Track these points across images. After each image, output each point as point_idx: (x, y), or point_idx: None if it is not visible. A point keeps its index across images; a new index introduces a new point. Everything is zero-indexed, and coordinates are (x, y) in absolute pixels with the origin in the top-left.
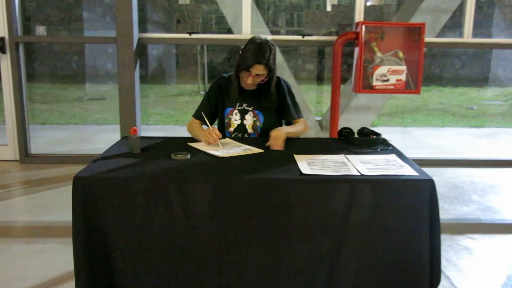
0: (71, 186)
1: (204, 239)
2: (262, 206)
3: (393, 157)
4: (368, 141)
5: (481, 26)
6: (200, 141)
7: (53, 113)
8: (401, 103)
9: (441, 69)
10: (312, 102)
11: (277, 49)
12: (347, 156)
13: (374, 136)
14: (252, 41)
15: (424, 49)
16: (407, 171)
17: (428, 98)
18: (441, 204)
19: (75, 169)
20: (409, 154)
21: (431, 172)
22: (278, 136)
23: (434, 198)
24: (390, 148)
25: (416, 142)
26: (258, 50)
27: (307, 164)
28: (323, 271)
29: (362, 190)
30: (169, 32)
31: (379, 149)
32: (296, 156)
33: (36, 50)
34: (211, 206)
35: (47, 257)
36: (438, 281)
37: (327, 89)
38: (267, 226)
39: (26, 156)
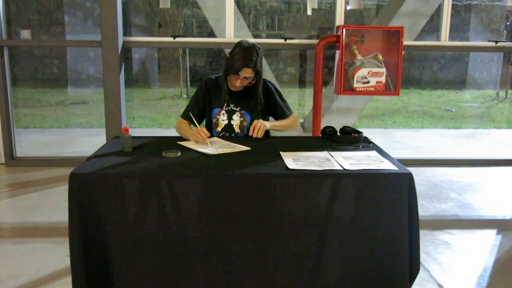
0: (57, 188)
1: (193, 232)
2: (250, 201)
3: (373, 153)
4: (350, 139)
5: (458, 30)
6: (189, 140)
7: (35, 117)
8: (381, 105)
9: (420, 72)
10: (294, 105)
11: None
12: (330, 152)
13: (356, 134)
14: (239, 45)
15: (404, 52)
16: (387, 165)
17: (408, 100)
18: (421, 202)
19: (61, 171)
20: (391, 155)
21: (411, 171)
22: (258, 124)
23: (412, 191)
24: (371, 145)
25: (396, 143)
26: (246, 54)
27: (293, 160)
28: (308, 263)
29: (345, 184)
30: (151, 35)
31: (360, 146)
32: (282, 153)
33: (17, 54)
34: (200, 201)
35: (37, 256)
36: (417, 271)
37: (309, 92)
38: (255, 220)
39: (11, 159)
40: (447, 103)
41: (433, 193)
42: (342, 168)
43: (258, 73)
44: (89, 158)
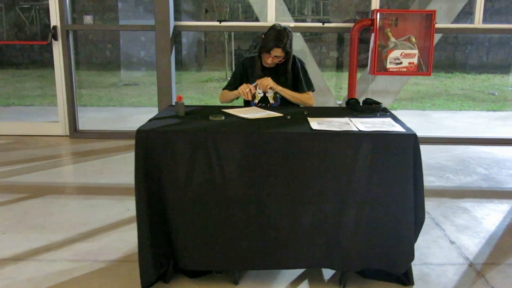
0: (116, 156)
1: (234, 184)
2: (281, 156)
3: (388, 120)
4: (370, 109)
5: (501, 13)
6: (232, 108)
7: (92, 97)
8: (423, 89)
9: (465, 56)
10: (335, 88)
11: (301, 37)
12: (351, 119)
13: (375, 105)
14: (273, 27)
15: (441, 35)
16: (397, 128)
17: (450, 84)
18: (447, 175)
19: (118, 143)
20: (423, 133)
21: (441, 148)
22: (264, 81)
23: (417, 150)
24: (387, 113)
25: (432, 123)
26: (277, 36)
27: (317, 123)
28: (334, 210)
29: (359, 143)
30: (198, 21)
31: (378, 115)
32: (309, 118)
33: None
34: (240, 156)
35: (101, 209)
36: (423, 219)
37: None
38: (285, 173)
39: (75, 131)
40: (491, 87)
41: (460, 167)
42: (357, 130)
43: (287, 53)
44: (150, 120)
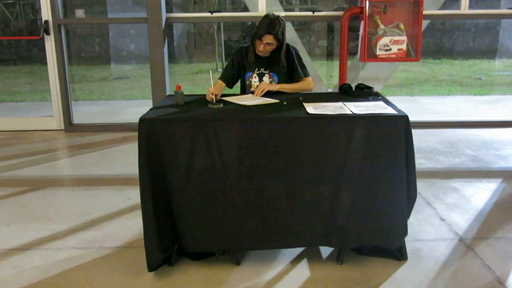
0: (112, 148)
1: (233, 168)
2: (278, 140)
3: (380, 103)
4: (362, 93)
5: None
6: (230, 95)
7: (83, 91)
8: (411, 75)
9: (452, 42)
10: (326, 76)
11: (291, 26)
12: (345, 103)
13: (367, 90)
14: (266, 16)
15: (429, 21)
16: (389, 111)
17: (438, 70)
18: (436, 157)
19: (113, 135)
20: (412, 118)
21: (430, 132)
22: (261, 87)
23: (408, 131)
24: (379, 97)
25: (421, 108)
26: (269, 23)
27: (313, 108)
28: (331, 190)
29: (353, 125)
30: (187, 12)
31: (370, 98)
32: (304, 103)
33: None
34: (239, 141)
35: (103, 199)
36: (415, 197)
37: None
38: (283, 157)
39: (69, 125)
40: (478, 72)
41: (450, 150)
42: (351, 113)
43: (279, 41)
44: (151, 109)
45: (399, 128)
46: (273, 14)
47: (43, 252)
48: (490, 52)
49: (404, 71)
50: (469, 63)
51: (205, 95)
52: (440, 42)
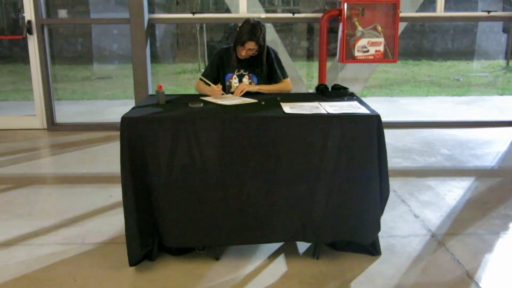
0: (94, 148)
1: (213, 166)
2: (256, 138)
3: (354, 103)
4: (338, 93)
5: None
6: (208, 95)
7: (65, 91)
8: (391, 76)
9: (432, 44)
10: (307, 77)
11: (272, 27)
12: (321, 103)
13: (342, 90)
14: (247, 21)
15: (406, 24)
16: (362, 110)
17: (418, 71)
18: (413, 156)
19: (95, 134)
20: (391, 119)
21: (408, 132)
22: (240, 87)
23: (380, 130)
24: (354, 98)
25: (399, 109)
26: (251, 29)
27: (289, 107)
28: (307, 187)
29: (328, 124)
30: (169, 12)
31: (345, 98)
32: (282, 103)
33: None
34: (218, 139)
35: (85, 197)
36: (387, 194)
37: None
38: (261, 155)
39: (52, 124)
40: (457, 73)
41: (425, 149)
42: (326, 112)
43: (260, 46)
44: (133, 108)
45: (371, 127)
46: (254, 19)
47: (26, 247)
48: (468, 54)
49: (384, 72)
50: (448, 64)
51: (185, 94)
52: (420, 44)
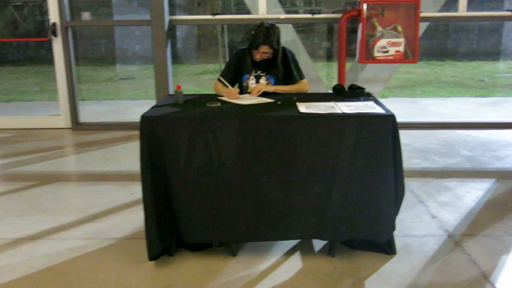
0: (117, 146)
1: (231, 166)
2: (273, 137)
3: (370, 103)
4: (354, 93)
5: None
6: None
7: (89, 91)
8: (414, 77)
9: (456, 44)
10: (328, 78)
11: (292, 28)
12: (336, 103)
13: (359, 90)
14: (261, 25)
15: (427, 23)
16: (377, 110)
17: (441, 72)
18: (432, 157)
19: (118, 133)
20: (411, 119)
21: (428, 133)
22: (257, 88)
23: (395, 130)
24: (370, 98)
25: (421, 110)
26: (264, 33)
27: (305, 107)
28: (322, 186)
29: (343, 124)
30: (191, 14)
31: (361, 99)
32: (297, 103)
33: None
34: (236, 138)
35: (108, 194)
36: (403, 194)
37: None
38: (277, 151)
39: (76, 124)
40: (482, 73)
41: (446, 150)
42: (341, 112)
43: (274, 49)
44: (153, 107)
45: (386, 127)
46: (267, 22)
47: (50, 241)
48: (494, 54)
49: (406, 73)
50: (472, 65)
51: (203, 94)
52: (443, 44)
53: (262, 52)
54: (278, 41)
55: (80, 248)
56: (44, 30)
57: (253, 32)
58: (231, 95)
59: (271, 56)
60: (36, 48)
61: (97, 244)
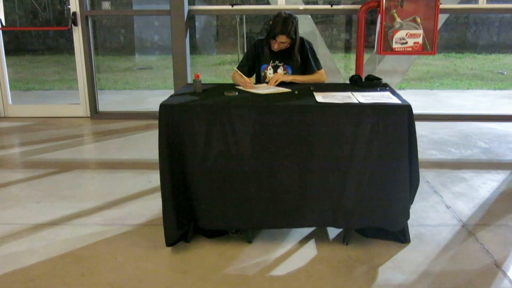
0: (135, 135)
1: (248, 154)
2: (290, 126)
3: (387, 93)
4: (371, 84)
5: None
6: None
7: (108, 81)
8: (432, 69)
9: (476, 36)
10: (346, 69)
11: (311, 19)
12: (353, 93)
13: (376, 81)
14: (278, 15)
15: (447, 15)
16: (394, 100)
17: (460, 64)
18: (448, 148)
19: (136, 123)
20: (428, 111)
21: (445, 125)
22: (275, 77)
23: (411, 119)
24: (387, 88)
25: (438, 102)
26: (282, 23)
27: (322, 97)
28: (338, 175)
29: (359, 113)
30: (210, 4)
31: (378, 89)
32: (315, 93)
33: None
34: (253, 127)
35: (126, 181)
36: (417, 183)
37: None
38: (293, 140)
39: (95, 113)
40: (501, 66)
41: (462, 142)
42: (358, 102)
43: (292, 39)
44: (171, 96)
45: (402, 117)
46: (285, 12)
47: (70, 227)
48: None
49: (425, 65)
50: (492, 58)
51: (221, 84)
52: (463, 36)
53: (280, 42)
54: (295, 31)
55: (99, 233)
56: (63, 19)
57: (271, 22)
58: (246, 85)
59: (288, 46)
60: (55, 37)
61: (115, 230)
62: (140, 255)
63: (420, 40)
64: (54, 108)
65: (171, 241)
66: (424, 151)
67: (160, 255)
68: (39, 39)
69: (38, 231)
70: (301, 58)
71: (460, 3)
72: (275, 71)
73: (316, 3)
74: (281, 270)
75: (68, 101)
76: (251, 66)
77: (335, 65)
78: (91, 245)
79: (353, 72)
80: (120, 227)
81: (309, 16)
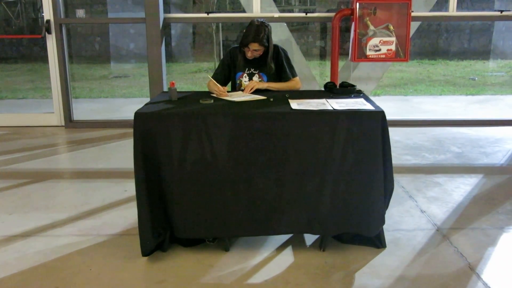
0: (110, 144)
1: (223, 162)
2: (265, 133)
3: (361, 100)
4: (345, 91)
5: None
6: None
7: (83, 89)
8: (406, 75)
9: (448, 43)
10: (322, 76)
11: (286, 26)
12: (327, 100)
13: (350, 87)
14: (251, 23)
15: (419, 23)
16: (367, 107)
17: (433, 70)
18: (422, 153)
19: (112, 131)
20: (402, 117)
21: (419, 130)
22: (250, 85)
23: (385, 125)
24: (361, 95)
25: (412, 108)
26: (254, 31)
27: (297, 104)
28: (314, 181)
29: (333, 120)
30: (186, 12)
31: (352, 96)
32: (289, 100)
33: None
34: (228, 134)
35: (101, 191)
36: (392, 188)
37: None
38: (269, 147)
39: (70, 122)
40: (472, 72)
41: (436, 147)
42: (332, 109)
43: (265, 46)
44: (146, 104)
45: (376, 123)
46: (258, 21)
47: (43, 238)
48: (485, 53)
49: (399, 72)
50: (464, 64)
51: (197, 91)
52: (436, 43)
53: (253, 50)
54: (268, 39)
55: (73, 244)
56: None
57: (244, 30)
58: (220, 94)
59: (262, 53)
60: (29, 45)
61: (90, 240)
62: (115, 266)
63: (393, 47)
64: (27, 117)
65: (147, 251)
66: (399, 157)
67: (136, 265)
68: (12, 47)
69: (11, 243)
70: (276, 65)
71: (431, 11)
72: (250, 78)
73: (292, 11)
74: (258, 278)
75: (42, 110)
76: (227, 74)
77: (311, 72)
78: (65, 256)
79: (328, 79)
80: (95, 238)
81: (285, 24)
